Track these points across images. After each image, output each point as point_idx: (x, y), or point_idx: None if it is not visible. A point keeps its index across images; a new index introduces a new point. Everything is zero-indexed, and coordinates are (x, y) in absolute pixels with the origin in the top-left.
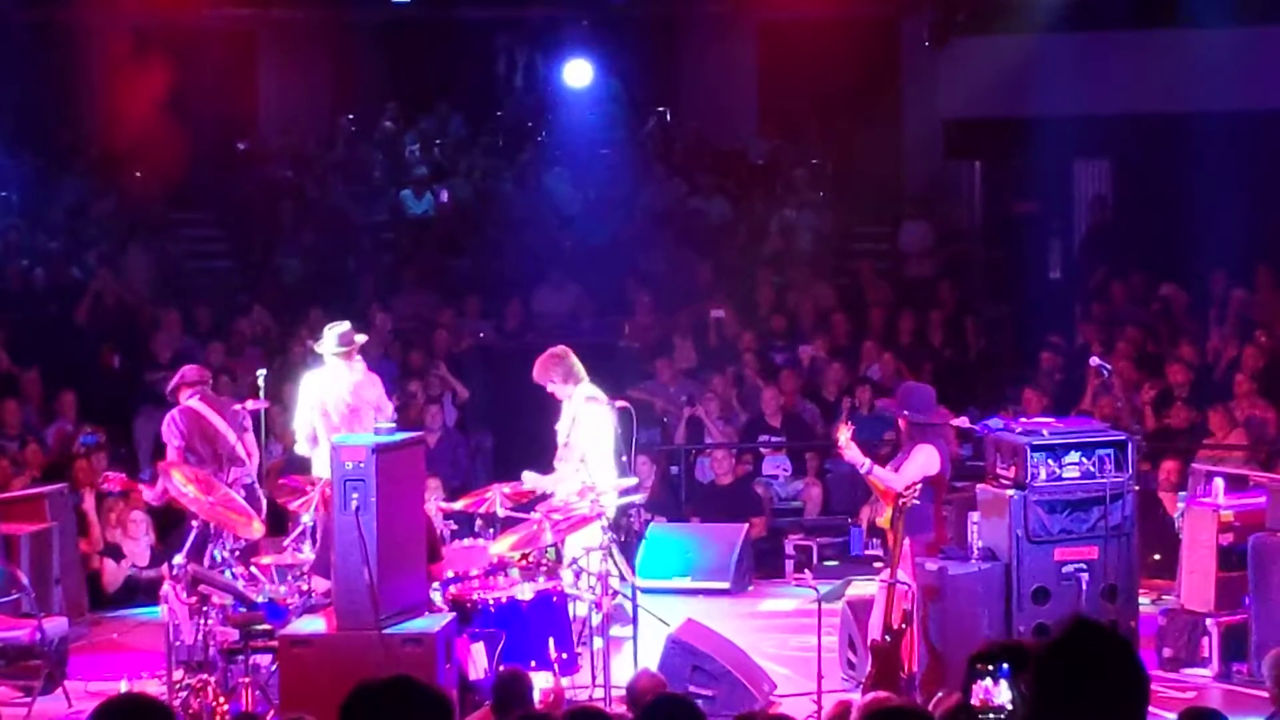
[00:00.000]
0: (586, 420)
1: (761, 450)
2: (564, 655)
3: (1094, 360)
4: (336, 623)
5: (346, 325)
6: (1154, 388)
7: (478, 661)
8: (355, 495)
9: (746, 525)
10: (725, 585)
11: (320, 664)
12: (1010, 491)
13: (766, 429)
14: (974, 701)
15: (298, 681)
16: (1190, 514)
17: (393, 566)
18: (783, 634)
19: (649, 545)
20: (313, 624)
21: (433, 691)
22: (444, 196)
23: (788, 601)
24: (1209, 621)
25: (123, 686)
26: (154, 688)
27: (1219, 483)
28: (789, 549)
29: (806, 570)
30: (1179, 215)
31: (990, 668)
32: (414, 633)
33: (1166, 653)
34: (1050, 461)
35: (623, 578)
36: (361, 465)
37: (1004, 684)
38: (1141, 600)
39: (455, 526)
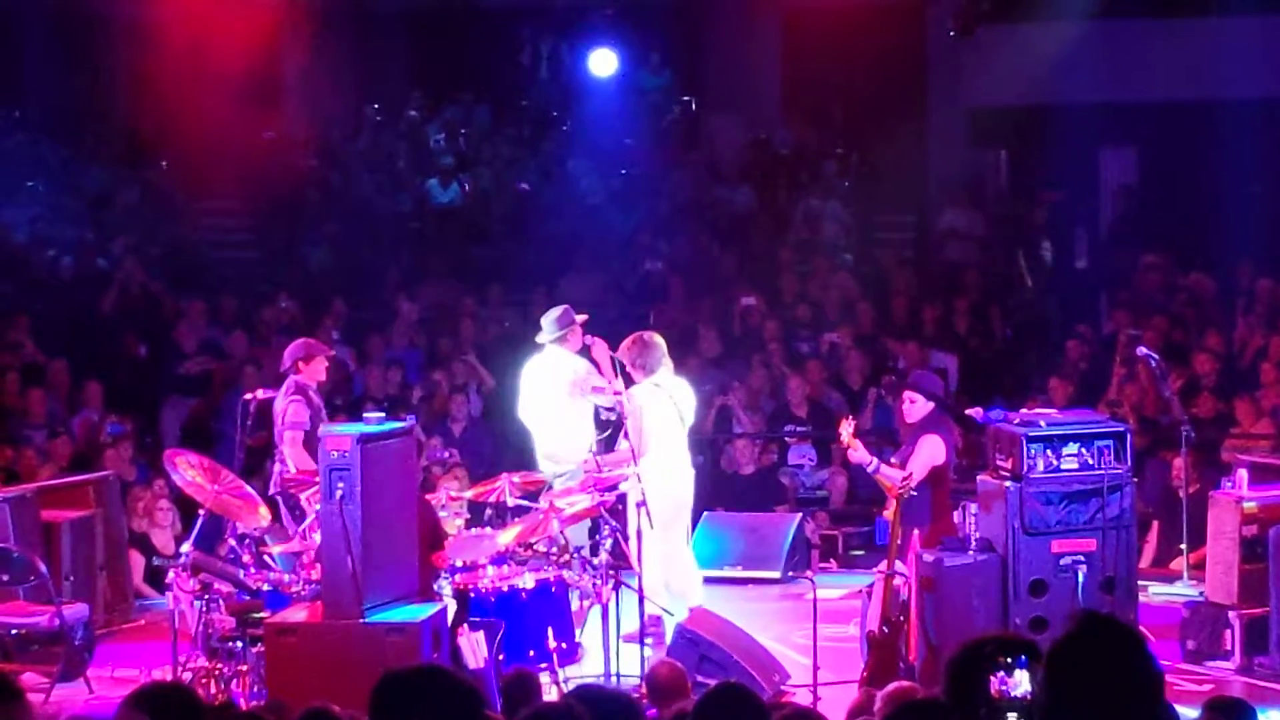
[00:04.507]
0: (634, 411)
1: (787, 439)
2: (563, 645)
3: (1141, 350)
4: (322, 611)
5: (562, 309)
6: (1180, 377)
7: (477, 651)
8: (340, 485)
9: (799, 515)
10: (776, 574)
11: (305, 652)
12: (1007, 483)
13: (792, 418)
14: (991, 692)
15: (284, 669)
16: (1214, 505)
17: (380, 556)
18: (820, 623)
19: (701, 534)
20: (300, 612)
21: (461, 681)
22: (466, 186)
23: (834, 590)
24: (1231, 614)
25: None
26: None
27: (1243, 474)
28: (814, 538)
29: (832, 560)
30: (1205, 203)
31: (1008, 659)
32: (397, 622)
33: (1190, 645)
34: (1048, 453)
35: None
36: (346, 455)
37: (1023, 674)
38: (1190, 590)
39: (469, 515)
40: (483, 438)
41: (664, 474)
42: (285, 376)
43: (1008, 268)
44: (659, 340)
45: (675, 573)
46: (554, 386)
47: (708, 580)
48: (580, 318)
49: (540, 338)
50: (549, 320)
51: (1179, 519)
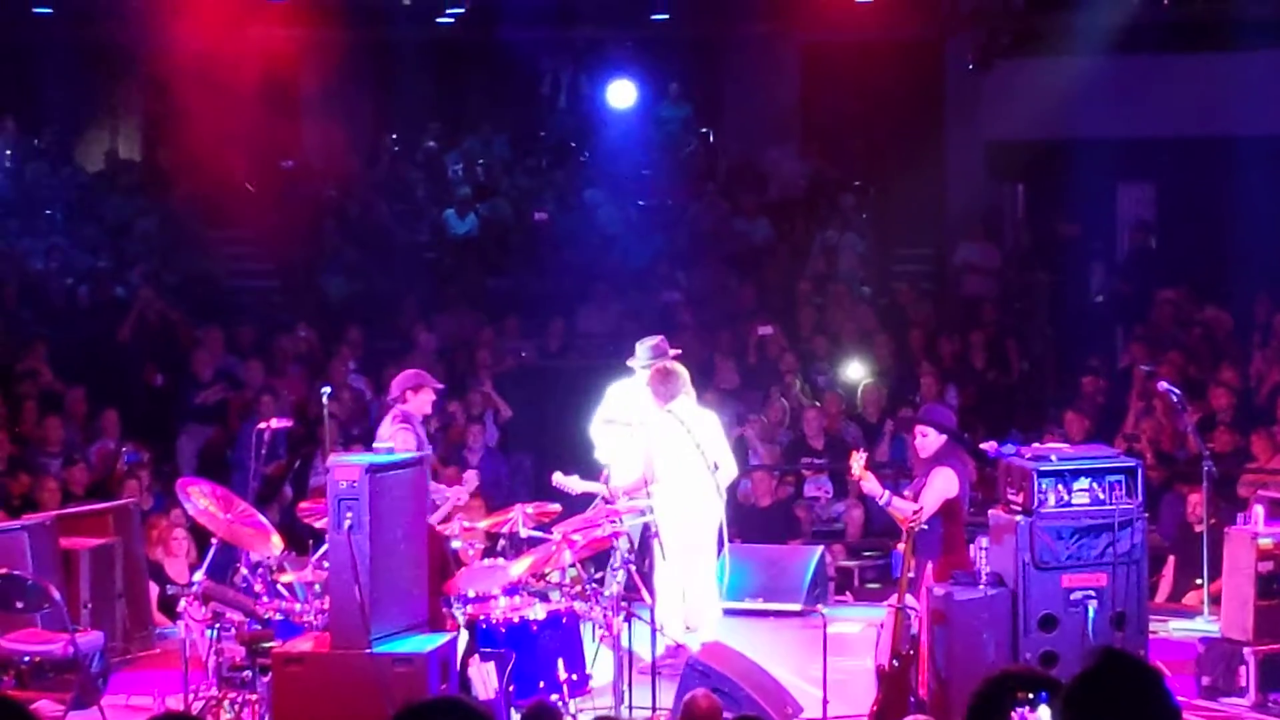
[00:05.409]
0: (643, 438)
1: (804, 472)
2: (574, 676)
3: (1162, 385)
4: (330, 641)
5: (658, 338)
6: (1196, 412)
7: (488, 682)
8: (349, 515)
9: (820, 547)
10: (796, 607)
11: (312, 682)
12: (1018, 517)
13: (809, 451)
14: None
15: (291, 699)
16: (1229, 540)
17: (388, 586)
18: (834, 657)
19: (724, 566)
20: (307, 642)
21: (480, 712)
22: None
23: (853, 625)
24: (1246, 650)
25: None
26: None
27: (1259, 509)
28: (830, 571)
29: (848, 592)
30: (1222, 238)
31: (1029, 695)
32: (404, 653)
33: (1205, 681)
34: (1059, 487)
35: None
36: (355, 485)
37: (1045, 711)
38: (1210, 626)
39: (484, 545)
40: (499, 467)
41: (679, 504)
42: (391, 405)
43: (1025, 301)
44: (681, 370)
45: (691, 604)
46: (636, 411)
47: (728, 612)
48: (674, 351)
49: (632, 363)
50: (643, 347)
51: (1195, 554)
